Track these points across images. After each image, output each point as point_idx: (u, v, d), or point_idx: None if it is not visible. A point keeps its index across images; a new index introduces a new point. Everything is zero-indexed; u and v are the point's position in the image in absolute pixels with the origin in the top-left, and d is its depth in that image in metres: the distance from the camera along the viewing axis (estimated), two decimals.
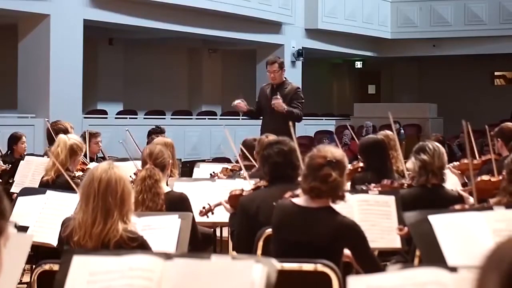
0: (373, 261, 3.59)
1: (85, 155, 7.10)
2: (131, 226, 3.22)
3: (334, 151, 3.59)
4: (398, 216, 4.36)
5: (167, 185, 4.68)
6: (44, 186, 5.30)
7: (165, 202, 4.31)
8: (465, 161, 5.49)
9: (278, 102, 7.64)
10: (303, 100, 7.98)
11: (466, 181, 5.06)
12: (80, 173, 5.74)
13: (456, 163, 5.71)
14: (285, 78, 8.07)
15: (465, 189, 4.90)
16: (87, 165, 6.28)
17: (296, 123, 7.24)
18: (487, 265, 1.36)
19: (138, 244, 3.15)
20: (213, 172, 6.33)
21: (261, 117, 8.11)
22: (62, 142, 5.52)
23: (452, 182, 5.18)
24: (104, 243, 3.15)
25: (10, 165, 6.97)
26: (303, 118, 8.05)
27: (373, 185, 4.74)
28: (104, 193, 3.15)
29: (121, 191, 3.17)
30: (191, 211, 4.31)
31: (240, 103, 7.89)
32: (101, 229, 3.15)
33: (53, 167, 5.45)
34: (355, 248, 3.55)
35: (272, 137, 5.26)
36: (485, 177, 5.08)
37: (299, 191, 3.67)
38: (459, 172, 5.64)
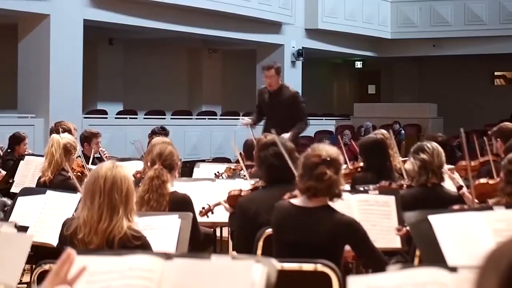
0: (377, 256, 3.57)
1: (86, 156, 7.11)
2: (135, 225, 3.25)
3: (328, 149, 3.57)
4: (398, 216, 4.36)
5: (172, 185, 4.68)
6: (41, 187, 5.27)
7: (169, 202, 4.33)
8: (463, 163, 5.46)
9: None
10: (304, 104, 7.84)
11: (462, 184, 5.01)
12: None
13: (452, 166, 5.67)
14: (281, 83, 7.90)
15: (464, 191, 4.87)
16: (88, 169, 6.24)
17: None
18: (485, 266, 1.36)
19: (141, 243, 3.18)
20: (217, 172, 6.34)
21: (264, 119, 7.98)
22: (56, 142, 5.44)
23: (448, 184, 5.15)
24: (109, 240, 3.17)
25: (6, 172, 7.00)
26: None
27: (372, 187, 4.72)
28: (110, 190, 3.18)
29: (126, 190, 3.21)
30: (193, 213, 4.31)
31: (244, 120, 7.95)
32: (107, 225, 3.17)
33: (48, 168, 5.40)
34: (356, 245, 3.54)
35: (270, 136, 5.23)
36: (483, 180, 5.04)
37: (297, 192, 3.66)
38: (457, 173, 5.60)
